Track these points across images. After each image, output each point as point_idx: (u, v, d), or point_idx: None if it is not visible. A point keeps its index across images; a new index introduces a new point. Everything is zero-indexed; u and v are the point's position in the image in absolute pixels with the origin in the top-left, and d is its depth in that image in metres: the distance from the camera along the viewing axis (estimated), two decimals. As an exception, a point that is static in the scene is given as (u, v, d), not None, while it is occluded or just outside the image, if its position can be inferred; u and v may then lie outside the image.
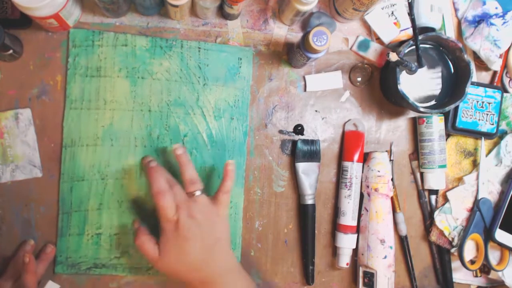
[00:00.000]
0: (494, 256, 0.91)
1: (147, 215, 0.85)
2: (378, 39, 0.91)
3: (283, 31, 0.90)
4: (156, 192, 0.74)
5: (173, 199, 0.74)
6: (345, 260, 0.88)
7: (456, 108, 0.90)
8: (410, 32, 0.89)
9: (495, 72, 0.94)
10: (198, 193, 0.76)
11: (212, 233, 0.76)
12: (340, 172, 0.90)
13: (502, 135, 0.93)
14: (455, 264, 0.92)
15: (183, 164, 0.78)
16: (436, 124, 0.88)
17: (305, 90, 0.90)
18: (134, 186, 0.85)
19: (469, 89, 0.85)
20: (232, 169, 0.79)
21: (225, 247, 0.78)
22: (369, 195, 0.88)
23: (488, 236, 0.89)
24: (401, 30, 0.89)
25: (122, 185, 0.84)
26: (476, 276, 0.93)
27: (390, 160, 0.91)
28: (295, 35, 0.90)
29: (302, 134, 0.90)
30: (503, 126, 0.93)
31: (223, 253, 0.77)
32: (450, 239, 0.90)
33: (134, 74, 0.85)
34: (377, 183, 0.87)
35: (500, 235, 0.88)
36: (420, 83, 0.88)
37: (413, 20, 0.82)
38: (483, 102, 0.90)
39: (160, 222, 0.76)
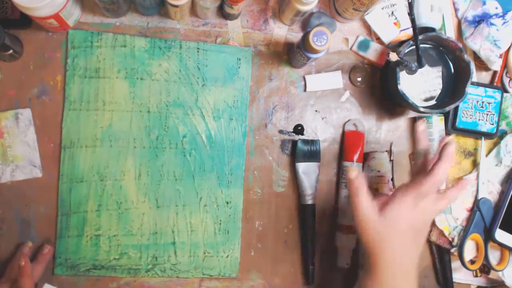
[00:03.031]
0: (494, 256, 0.91)
1: None
2: (378, 39, 0.90)
3: (283, 31, 0.90)
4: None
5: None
6: (345, 260, 0.88)
7: (456, 108, 0.90)
8: (410, 32, 0.88)
9: (495, 72, 0.94)
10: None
11: (424, 233, 0.77)
12: (340, 172, 0.90)
13: (502, 135, 0.93)
14: (455, 264, 0.92)
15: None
16: (436, 124, 0.88)
17: (305, 90, 0.90)
18: (133, 187, 0.85)
19: (469, 89, 0.85)
20: (461, 185, 0.79)
21: (418, 249, 0.76)
22: (369, 195, 0.88)
23: (488, 236, 0.89)
24: (401, 30, 0.89)
25: (121, 187, 0.85)
26: (476, 276, 0.93)
27: (390, 160, 0.91)
28: (295, 35, 0.90)
29: (302, 134, 0.90)
30: (503, 126, 0.93)
31: (416, 251, 0.76)
32: (450, 239, 0.90)
33: (133, 75, 0.85)
34: (377, 183, 0.87)
35: (500, 235, 0.88)
36: (420, 83, 0.88)
37: (413, 20, 0.82)
38: (483, 102, 0.89)
39: (411, 182, 0.75)
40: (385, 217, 0.73)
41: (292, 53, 0.86)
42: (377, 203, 0.75)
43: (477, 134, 0.91)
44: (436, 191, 0.75)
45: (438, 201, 0.75)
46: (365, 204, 0.73)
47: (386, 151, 0.91)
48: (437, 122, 0.88)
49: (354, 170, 0.75)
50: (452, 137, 0.78)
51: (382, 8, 0.88)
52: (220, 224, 0.87)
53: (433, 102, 0.88)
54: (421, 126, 0.80)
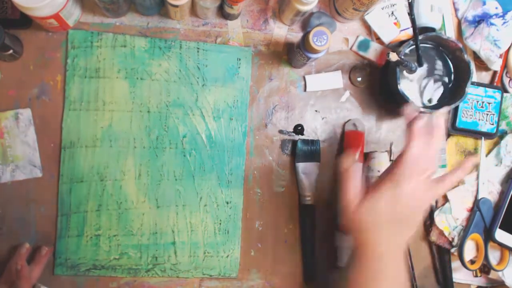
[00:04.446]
0: (494, 256, 0.91)
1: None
2: (378, 39, 0.90)
3: (283, 31, 0.90)
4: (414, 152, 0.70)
5: (424, 158, 0.71)
6: (345, 260, 0.88)
7: (456, 108, 0.90)
8: (410, 32, 0.89)
9: (495, 72, 0.94)
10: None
11: (413, 219, 0.73)
12: (340, 172, 0.90)
13: (502, 135, 0.93)
14: (455, 264, 0.92)
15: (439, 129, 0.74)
16: (436, 124, 0.88)
17: (305, 90, 0.90)
18: (133, 187, 0.85)
19: (469, 89, 0.85)
20: (468, 165, 0.75)
21: (407, 235, 0.73)
22: (369, 195, 0.88)
23: (488, 236, 0.89)
24: (401, 30, 0.89)
25: (121, 186, 0.85)
26: (476, 276, 0.93)
27: (390, 160, 0.91)
28: (295, 35, 0.90)
29: (302, 134, 0.90)
30: (503, 126, 0.93)
31: (403, 238, 0.73)
32: (450, 239, 0.90)
33: (133, 75, 0.85)
34: (377, 183, 0.87)
35: (500, 235, 0.88)
36: (420, 83, 0.88)
37: (413, 20, 0.82)
38: (483, 102, 0.89)
39: (386, 171, 0.73)
40: (363, 206, 0.71)
41: (292, 53, 0.86)
42: (362, 194, 0.73)
43: (477, 134, 0.91)
44: (423, 174, 0.71)
45: (430, 184, 0.72)
46: (350, 193, 0.73)
47: (386, 151, 0.91)
48: (437, 122, 0.88)
49: (348, 162, 0.75)
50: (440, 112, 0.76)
51: (382, 8, 0.88)
52: (220, 224, 0.87)
53: (433, 102, 0.88)
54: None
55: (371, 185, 0.74)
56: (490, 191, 0.91)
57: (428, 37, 0.85)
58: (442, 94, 0.88)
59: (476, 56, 0.92)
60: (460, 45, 0.84)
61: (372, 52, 0.91)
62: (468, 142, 0.93)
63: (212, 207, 0.87)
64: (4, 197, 0.83)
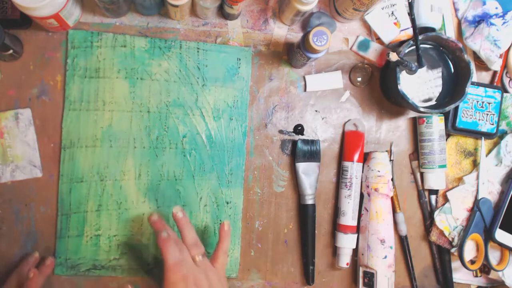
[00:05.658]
0: (494, 256, 0.91)
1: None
2: (378, 39, 0.90)
3: (283, 31, 0.90)
4: (172, 264, 0.72)
5: (186, 270, 0.72)
6: (345, 260, 0.88)
7: (456, 108, 0.90)
8: (410, 32, 0.88)
9: (495, 72, 0.94)
10: (200, 258, 0.75)
11: None
12: (340, 172, 0.90)
13: (502, 135, 0.93)
14: (455, 264, 0.92)
15: (183, 228, 0.77)
16: (436, 124, 0.88)
17: (305, 90, 0.90)
18: (133, 187, 0.85)
19: (469, 89, 0.85)
20: (228, 229, 0.80)
21: None
22: (369, 195, 0.88)
23: (488, 236, 0.89)
24: (401, 30, 0.88)
25: (121, 186, 0.85)
26: (476, 276, 0.93)
27: (390, 160, 0.91)
28: (295, 35, 0.90)
29: (302, 134, 0.90)
30: (503, 126, 0.93)
31: None
32: (450, 239, 0.90)
33: (133, 75, 0.85)
34: (377, 183, 0.87)
35: (500, 235, 0.88)
36: (420, 83, 0.88)
37: (413, 20, 0.82)
38: (483, 102, 0.89)
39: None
40: None
41: (292, 53, 0.86)
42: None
43: (477, 134, 0.91)
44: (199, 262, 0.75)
45: (208, 267, 0.76)
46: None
47: (386, 151, 0.91)
48: (437, 122, 0.88)
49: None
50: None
51: (382, 8, 0.88)
52: (220, 224, 0.87)
53: (433, 102, 0.88)
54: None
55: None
56: (490, 191, 0.91)
57: (428, 37, 0.86)
58: (442, 94, 0.88)
59: (476, 56, 0.92)
60: (460, 45, 0.84)
61: (372, 52, 0.91)
62: (468, 142, 0.93)
63: (212, 207, 0.87)
64: (4, 197, 0.83)
